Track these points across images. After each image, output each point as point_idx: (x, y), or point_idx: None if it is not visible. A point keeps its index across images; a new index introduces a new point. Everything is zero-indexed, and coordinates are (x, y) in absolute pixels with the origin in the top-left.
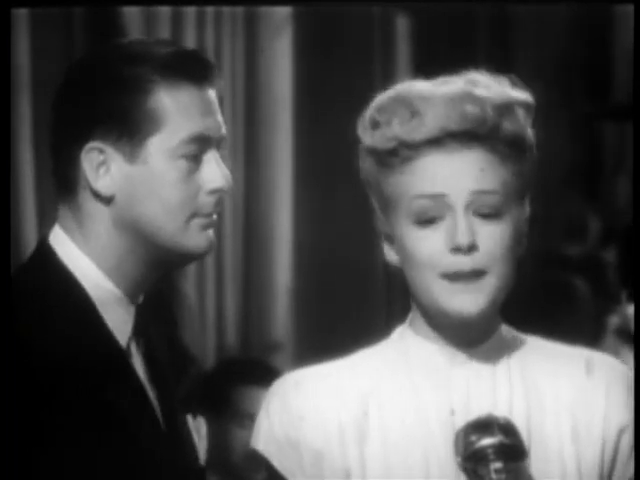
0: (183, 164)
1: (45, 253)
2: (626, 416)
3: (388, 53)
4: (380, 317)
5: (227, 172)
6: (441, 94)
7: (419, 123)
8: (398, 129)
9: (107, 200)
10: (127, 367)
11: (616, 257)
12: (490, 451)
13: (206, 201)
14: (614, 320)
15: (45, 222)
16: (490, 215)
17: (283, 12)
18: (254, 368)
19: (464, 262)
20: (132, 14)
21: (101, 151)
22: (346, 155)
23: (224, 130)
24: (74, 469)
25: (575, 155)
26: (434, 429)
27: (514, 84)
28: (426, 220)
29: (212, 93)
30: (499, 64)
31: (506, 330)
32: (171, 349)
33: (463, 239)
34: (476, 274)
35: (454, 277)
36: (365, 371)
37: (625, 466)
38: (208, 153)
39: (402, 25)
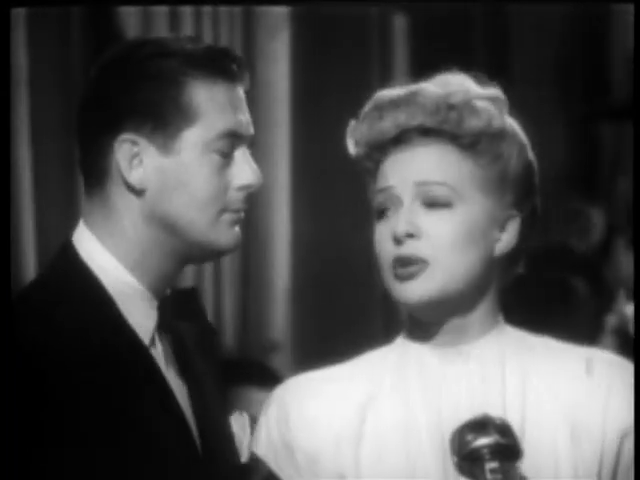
0: (215, 159)
1: (67, 252)
2: (628, 420)
3: (385, 53)
4: (378, 318)
5: (257, 169)
6: (400, 95)
7: (381, 125)
8: (367, 135)
9: (139, 192)
10: (149, 363)
11: (614, 257)
12: (486, 451)
13: (235, 197)
14: (612, 319)
15: (42, 222)
16: (437, 205)
17: (281, 12)
18: (252, 369)
19: (403, 249)
20: (129, 14)
21: (134, 143)
22: (344, 155)
23: (252, 129)
24: (93, 468)
25: (573, 154)
26: (422, 430)
27: (481, 82)
28: (380, 213)
29: (241, 90)
30: (496, 63)
31: (507, 328)
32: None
33: (400, 228)
34: (416, 262)
35: (397, 264)
36: (364, 376)
37: (627, 472)
38: (239, 149)
39: (399, 25)
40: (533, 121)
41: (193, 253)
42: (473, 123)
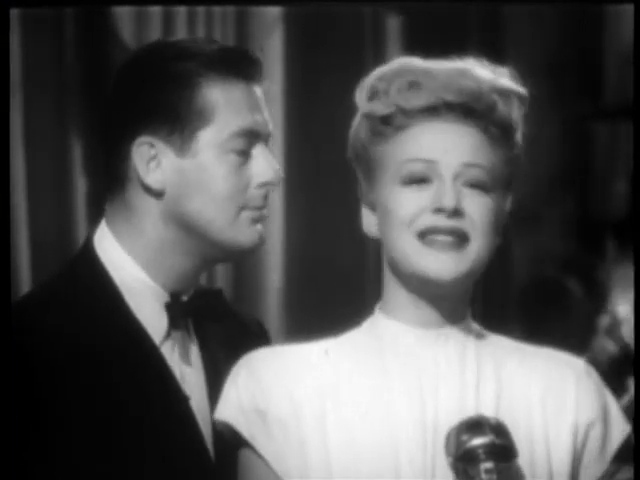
0: (232, 158)
1: (85, 249)
2: (595, 411)
3: (379, 53)
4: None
5: (276, 166)
6: (441, 68)
7: (417, 91)
8: (396, 96)
9: (157, 194)
10: (155, 359)
11: (607, 257)
12: (481, 451)
13: (255, 194)
14: (604, 320)
15: (36, 221)
16: (478, 187)
17: (274, 12)
18: None
19: (445, 221)
20: (123, 14)
21: (152, 145)
22: (338, 154)
23: (271, 126)
24: (98, 466)
25: (567, 155)
26: (402, 410)
27: (512, 76)
28: (414, 181)
29: (258, 90)
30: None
31: (472, 323)
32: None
33: (449, 202)
34: (457, 235)
35: (431, 235)
36: (336, 353)
37: (594, 463)
38: (257, 147)
39: (393, 24)
40: (527, 121)
41: (214, 252)
42: (511, 117)
